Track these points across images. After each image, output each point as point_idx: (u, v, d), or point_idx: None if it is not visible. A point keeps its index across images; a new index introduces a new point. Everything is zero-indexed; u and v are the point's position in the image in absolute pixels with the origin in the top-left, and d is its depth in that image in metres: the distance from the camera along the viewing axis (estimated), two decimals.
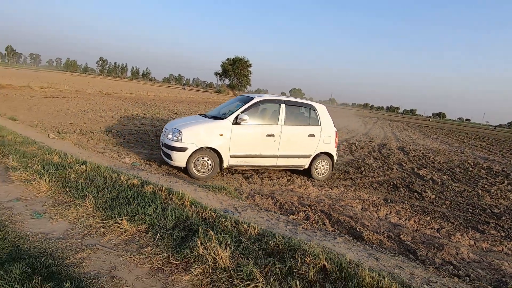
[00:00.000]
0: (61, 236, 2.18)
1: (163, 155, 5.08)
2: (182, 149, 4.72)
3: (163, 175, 4.45)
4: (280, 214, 3.60)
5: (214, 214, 2.58)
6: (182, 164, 4.83)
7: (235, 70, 68.81)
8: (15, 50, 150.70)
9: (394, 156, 9.22)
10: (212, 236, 2.09)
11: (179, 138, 4.77)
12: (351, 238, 3.12)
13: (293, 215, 3.75)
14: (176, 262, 1.96)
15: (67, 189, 2.82)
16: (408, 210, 4.67)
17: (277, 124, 5.34)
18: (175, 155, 4.76)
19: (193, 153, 4.78)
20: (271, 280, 1.81)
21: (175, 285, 1.79)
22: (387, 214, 4.45)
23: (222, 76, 72.42)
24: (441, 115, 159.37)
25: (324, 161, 5.85)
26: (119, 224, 2.28)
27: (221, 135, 4.91)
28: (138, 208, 2.50)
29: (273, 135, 5.25)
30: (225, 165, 5.05)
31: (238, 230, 2.37)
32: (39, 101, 12.67)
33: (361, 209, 4.50)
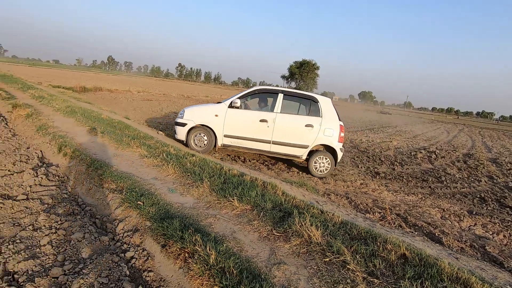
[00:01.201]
0: (191, 206, 2.96)
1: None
2: (183, 124, 5.77)
3: (251, 169, 5.17)
4: (357, 212, 3.90)
5: (303, 203, 3.08)
6: (183, 137, 5.81)
7: (302, 73, 68.77)
8: (114, 59, 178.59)
9: (483, 168, 8.35)
10: (306, 217, 2.59)
11: (182, 115, 5.85)
12: (429, 240, 3.25)
13: (369, 214, 4.01)
14: (278, 234, 2.52)
15: (188, 174, 3.68)
16: (498, 224, 4.40)
17: (272, 111, 5.64)
18: (178, 129, 5.85)
19: (191, 128, 5.74)
20: (357, 257, 2.21)
21: (279, 250, 2.34)
22: (471, 225, 4.29)
23: (289, 79, 73.11)
24: None
25: (323, 157, 5.64)
26: (231, 202, 2.97)
27: (216, 115, 5.65)
28: (243, 191, 3.17)
29: (267, 121, 5.57)
30: (219, 143, 5.75)
31: (324, 217, 2.82)
32: (139, 103, 15.17)
33: (441, 218, 4.44)
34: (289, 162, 6.61)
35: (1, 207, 2.81)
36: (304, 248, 2.34)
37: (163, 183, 3.52)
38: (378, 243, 2.41)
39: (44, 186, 3.43)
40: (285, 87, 6.51)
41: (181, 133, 5.82)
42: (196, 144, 5.77)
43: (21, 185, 3.34)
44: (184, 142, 5.88)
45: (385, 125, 21.50)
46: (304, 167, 6.16)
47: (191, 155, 4.45)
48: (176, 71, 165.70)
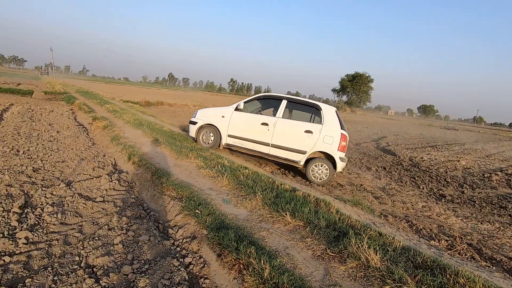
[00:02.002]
0: (245, 218, 3.04)
1: None
2: (194, 123, 6.54)
3: (302, 184, 5.12)
4: (419, 237, 3.56)
5: (359, 223, 2.94)
6: (193, 134, 6.57)
7: (354, 86, 66.37)
8: (173, 75, 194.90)
9: None
10: (363, 239, 2.46)
11: (195, 115, 6.62)
12: (511, 277, 2.81)
13: (433, 241, 3.63)
14: (332, 254, 2.44)
15: (241, 186, 3.80)
16: None
17: (274, 116, 5.89)
18: (190, 127, 6.65)
19: (200, 127, 6.46)
20: None
21: (334, 271, 2.26)
22: None
23: (340, 93, 71.08)
24: None
25: (321, 164, 5.57)
26: (284, 217, 2.97)
27: (223, 117, 6.23)
28: (295, 207, 3.15)
29: (267, 124, 5.83)
30: (223, 142, 6.31)
31: (383, 241, 2.64)
32: None
33: None
34: (340, 178, 6.37)
35: (84, 207, 3.24)
36: (361, 272, 2.22)
37: (218, 193, 3.69)
38: (448, 275, 2.17)
39: (116, 190, 3.86)
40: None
41: (192, 130, 6.60)
42: (203, 141, 6.47)
43: (99, 188, 3.81)
44: (194, 138, 6.62)
45: (450, 142, 19.36)
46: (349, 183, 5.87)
47: (244, 168, 4.59)
48: (228, 86, 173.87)
